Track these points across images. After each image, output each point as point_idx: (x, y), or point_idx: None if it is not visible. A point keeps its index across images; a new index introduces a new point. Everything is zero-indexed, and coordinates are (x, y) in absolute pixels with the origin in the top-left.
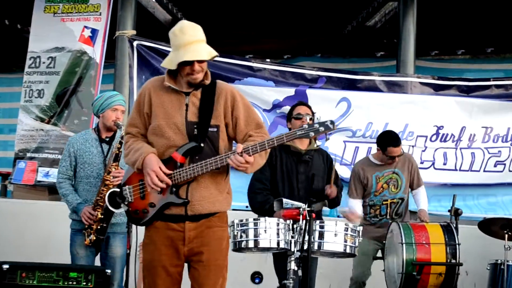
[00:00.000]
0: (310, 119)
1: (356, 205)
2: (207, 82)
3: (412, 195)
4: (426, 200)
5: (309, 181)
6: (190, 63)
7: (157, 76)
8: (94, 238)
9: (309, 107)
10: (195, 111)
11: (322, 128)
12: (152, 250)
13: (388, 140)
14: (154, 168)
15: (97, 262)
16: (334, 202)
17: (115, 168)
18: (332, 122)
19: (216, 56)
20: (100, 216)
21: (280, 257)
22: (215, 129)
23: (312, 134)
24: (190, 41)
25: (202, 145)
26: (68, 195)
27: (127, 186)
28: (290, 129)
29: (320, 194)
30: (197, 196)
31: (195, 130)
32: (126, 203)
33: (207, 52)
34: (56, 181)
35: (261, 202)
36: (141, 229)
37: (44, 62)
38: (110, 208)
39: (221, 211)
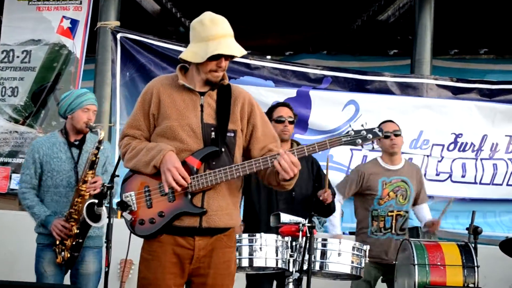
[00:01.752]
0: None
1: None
2: (226, 82)
3: (414, 211)
4: (430, 216)
5: (289, 193)
6: (218, 58)
7: (151, 74)
8: (68, 255)
9: (291, 109)
10: (212, 113)
11: (370, 135)
12: (155, 267)
13: (380, 123)
14: (176, 164)
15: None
16: (329, 210)
17: (91, 176)
18: (381, 129)
19: (245, 53)
20: (75, 230)
21: (254, 278)
22: (233, 134)
23: (359, 141)
24: (223, 34)
25: (222, 150)
26: (34, 207)
27: (128, 193)
28: None
29: (304, 203)
30: (214, 206)
31: (213, 133)
32: (128, 211)
33: (239, 49)
34: (19, 191)
35: None
36: (123, 244)
37: (18, 56)
38: (89, 222)
39: (235, 226)
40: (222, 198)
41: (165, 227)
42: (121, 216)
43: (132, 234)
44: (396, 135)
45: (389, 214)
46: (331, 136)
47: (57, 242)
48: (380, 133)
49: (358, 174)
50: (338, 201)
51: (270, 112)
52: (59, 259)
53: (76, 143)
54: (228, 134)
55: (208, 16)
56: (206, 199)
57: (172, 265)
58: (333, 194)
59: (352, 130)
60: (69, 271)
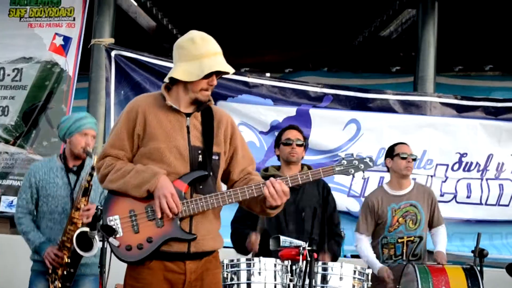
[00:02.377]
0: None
1: (364, 245)
2: (212, 103)
3: (431, 234)
4: (445, 241)
5: (299, 213)
6: (209, 77)
7: (146, 93)
8: (60, 285)
9: (301, 132)
10: (198, 135)
11: (362, 166)
12: None
13: (395, 144)
14: (172, 191)
15: None
16: (334, 257)
17: (84, 204)
18: (371, 160)
19: (233, 72)
20: (67, 260)
21: None
22: (217, 157)
23: (352, 171)
24: (215, 52)
25: (211, 174)
26: (29, 233)
27: (112, 217)
28: (278, 156)
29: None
30: (202, 231)
31: (200, 156)
32: (114, 236)
33: (230, 67)
34: (15, 216)
35: (236, 242)
36: (117, 269)
37: (9, 75)
38: (79, 251)
39: (219, 249)
40: (209, 223)
41: (153, 253)
42: (106, 241)
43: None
44: (413, 159)
45: (399, 240)
46: (331, 156)
47: (50, 271)
48: (371, 163)
49: (369, 206)
50: (362, 241)
51: (279, 136)
52: None
53: (74, 168)
54: (213, 157)
55: (197, 34)
56: (194, 223)
57: None
58: (337, 223)
59: (344, 159)
60: None
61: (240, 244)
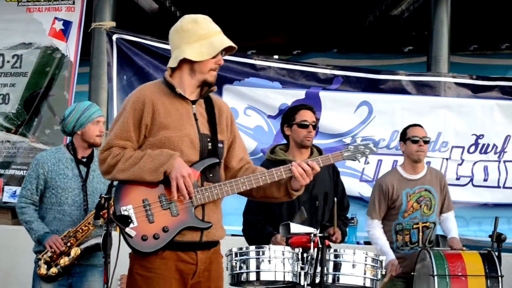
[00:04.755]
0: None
1: (378, 232)
2: (215, 88)
3: (439, 220)
4: (456, 227)
5: (313, 200)
6: (215, 56)
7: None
8: (56, 272)
9: (314, 112)
10: (205, 123)
11: (367, 151)
12: (160, 285)
13: (408, 126)
14: (189, 171)
15: None
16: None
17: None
18: (375, 145)
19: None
20: (77, 254)
21: None
22: (221, 145)
23: (359, 155)
24: (219, 30)
25: (221, 161)
26: (32, 222)
27: (126, 207)
28: (287, 136)
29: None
30: (214, 220)
31: (209, 144)
32: (131, 226)
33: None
34: (17, 205)
35: (254, 237)
36: (123, 258)
37: (8, 61)
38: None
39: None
40: (219, 212)
41: (169, 242)
42: (122, 232)
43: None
44: (425, 142)
45: (415, 226)
46: (343, 140)
47: (49, 254)
48: (374, 149)
49: (381, 189)
50: (375, 227)
51: (291, 115)
52: (42, 271)
53: (84, 160)
54: (219, 145)
55: (198, 16)
56: (206, 212)
57: (176, 282)
58: (347, 206)
59: (350, 145)
60: None
61: (260, 241)
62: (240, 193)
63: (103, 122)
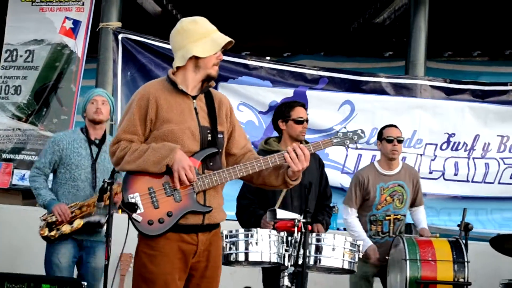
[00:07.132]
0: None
1: (354, 220)
2: (214, 84)
3: (410, 212)
4: (426, 219)
5: (303, 189)
6: (216, 52)
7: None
8: (54, 235)
9: (306, 109)
10: (205, 116)
11: (355, 137)
12: (164, 262)
13: (384, 126)
14: (190, 163)
15: None
16: (327, 227)
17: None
18: (363, 131)
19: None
20: (79, 225)
21: (270, 272)
22: (221, 136)
23: (347, 142)
24: (215, 29)
25: (220, 151)
26: (41, 189)
27: (133, 194)
28: (281, 130)
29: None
30: (214, 204)
31: (209, 135)
32: (138, 212)
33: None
34: (30, 174)
35: (246, 221)
36: (120, 240)
37: (21, 56)
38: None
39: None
40: (220, 197)
41: (173, 226)
42: (130, 218)
43: (128, 228)
44: (399, 141)
45: (387, 218)
46: (327, 135)
47: (53, 219)
48: (363, 135)
49: (358, 180)
50: (352, 215)
51: (287, 111)
52: (43, 232)
53: (96, 141)
54: (219, 135)
55: (196, 17)
56: (207, 197)
57: (179, 261)
58: (329, 195)
59: (340, 132)
60: (76, 264)
61: (252, 222)
62: (243, 179)
63: (102, 101)
